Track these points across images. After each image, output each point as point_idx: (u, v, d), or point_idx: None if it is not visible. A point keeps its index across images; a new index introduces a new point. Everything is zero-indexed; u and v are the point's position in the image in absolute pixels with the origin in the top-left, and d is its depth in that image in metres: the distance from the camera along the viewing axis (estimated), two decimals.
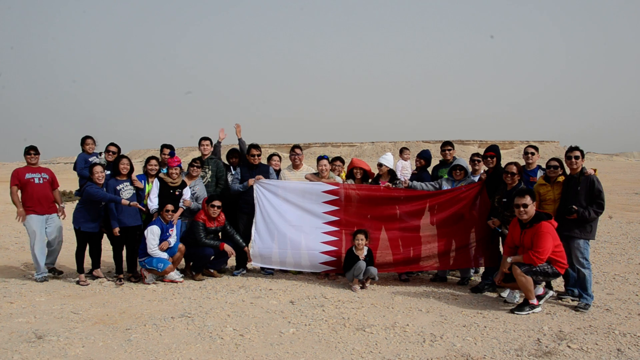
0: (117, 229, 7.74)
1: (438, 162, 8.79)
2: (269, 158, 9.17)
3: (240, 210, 8.56)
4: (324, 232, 8.10)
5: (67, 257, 10.04)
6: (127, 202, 7.67)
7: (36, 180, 8.05)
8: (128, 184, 7.93)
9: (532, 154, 7.70)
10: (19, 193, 8.04)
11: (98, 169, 7.74)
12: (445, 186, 8.02)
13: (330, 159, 8.78)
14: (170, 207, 7.77)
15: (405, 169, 8.94)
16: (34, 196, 7.99)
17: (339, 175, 8.79)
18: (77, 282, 7.77)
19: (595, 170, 6.82)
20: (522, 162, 7.82)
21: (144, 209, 7.97)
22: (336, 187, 8.13)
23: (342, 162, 9.02)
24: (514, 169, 7.15)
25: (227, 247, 8.02)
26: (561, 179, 6.92)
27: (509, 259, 6.35)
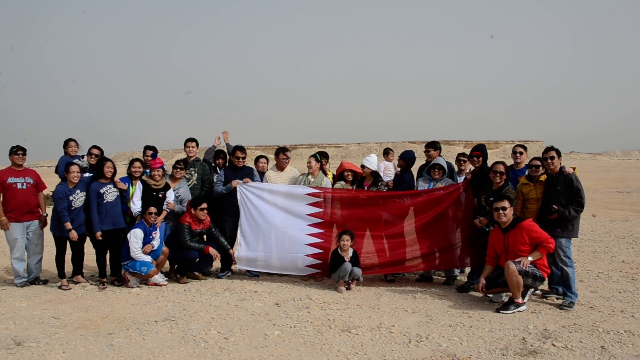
0: (99, 233, 7.64)
1: (424, 162, 8.79)
2: (256, 160, 9.09)
3: (225, 213, 8.49)
4: (309, 234, 8.05)
5: (49, 261, 9.90)
6: (70, 227, 7.51)
7: (19, 186, 7.70)
8: (111, 186, 7.82)
9: (521, 153, 7.71)
10: (0, 197, 7.71)
11: (74, 168, 7.61)
12: (422, 186, 8.03)
13: (317, 157, 8.63)
14: (153, 209, 7.68)
15: (388, 169, 8.93)
16: (16, 203, 7.66)
17: (324, 172, 8.70)
18: (59, 287, 7.64)
19: (574, 169, 6.87)
20: (509, 162, 7.85)
21: (73, 237, 7.65)
22: (319, 191, 8.10)
23: (317, 159, 8.65)
24: (502, 168, 7.18)
25: (212, 251, 7.93)
26: (543, 178, 6.96)
27: (529, 258, 6.37)
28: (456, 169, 8.37)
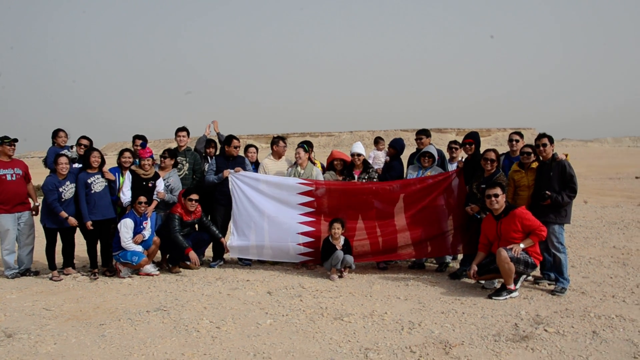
0: (89, 223, 7.57)
1: (415, 150, 8.78)
2: (245, 149, 9.05)
3: (217, 202, 8.44)
4: (301, 223, 8.04)
5: (39, 252, 9.84)
6: (66, 215, 7.47)
7: (8, 177, 7.61)
8: (99, 176, 7.74)
9: (517, 141, 7.67)
10: None
11: (63, 159, 7.53)
12: (411, 174, 8.04)
13: (305, 148, 8.58)
14: (142, 198, 7.62)
15: (378, 158, 8.91)
16: (6, 194, 7.58)
17: (311, 162, 8.67)
18: (50, 279, 7.59)
19: (566, 155, 6.89)
20: (502, 149, 7.84)
21: (73, 223, 7.58)
22: (311, 182, 8.08)
23: (305, 149, 8.53)
24: (493, 155, 7.18)
25: (192, 255, 7.71)
26: (535, 165, 6.97)
27: (521, 245, 6.37)
28: (448, 156, 8.36)
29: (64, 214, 7.46)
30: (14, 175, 7.68)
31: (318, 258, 7.89)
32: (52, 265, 7.73)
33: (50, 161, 7.93)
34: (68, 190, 7.55)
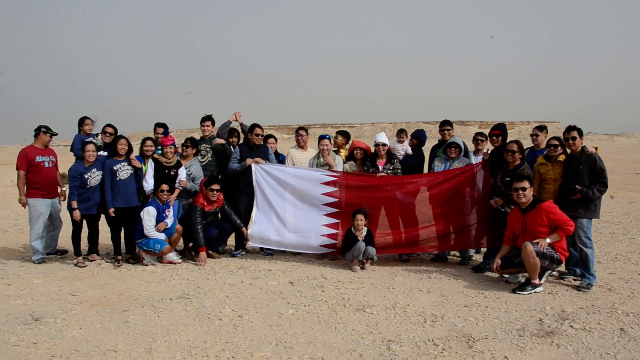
0: (111, 210, 7.65)
1: (437, 142, 8.69)
2: (265, 140, 9.04)
3: (239, 191, 8.46)
4: (325, 214, 8.06)
5: (65, 238, 10.01)
6: (75, 206, 7.58)
7: (46, 164, 7.94)
8: (126, 164, 7.82)
9: (537, 135, 7.56)
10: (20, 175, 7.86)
11: (90, 147, 7.64)
12: (438, 166, 7.95)
13: (332, 137, 8.68)
14: (165, 187, 7.66)
15: (396, 151, 8.86)
16: (45, 180, 7.88)
17: (339, 152, 8.69)
18: (75, 264, 7.70)
19: (596, 149, 6.72)
20: (526, 143, 7.71)
21: (76, 216, 7.68)
22: (336, 175, 8.07)
23: (346, 136, 8.99)
24: (515, 147, 7.07)
25: (201, 255, 7.78)
26: (562, 158, 6.83)
27: (547, 240, 6.26)
28: (473, 148, 8.25)
29: (74, 203, 7.60)
30: (50, 162, 8.01)
31: (340, 249, 7.87)
32: (77, 251, 7.84)
33: (77, 148, 8.07)
34: (94, 177, 7.63)
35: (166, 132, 8.28)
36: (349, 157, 8.49)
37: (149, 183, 7.90)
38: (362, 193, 8.02)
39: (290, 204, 8.18)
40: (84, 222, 7.86)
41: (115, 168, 7.70)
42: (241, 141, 8.88)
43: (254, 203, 8.28)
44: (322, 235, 8.02)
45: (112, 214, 7.70)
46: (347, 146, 8.91)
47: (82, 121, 8.53)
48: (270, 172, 8.23)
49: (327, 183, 8.04)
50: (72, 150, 8.47)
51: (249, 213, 8.42)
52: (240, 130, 8.95)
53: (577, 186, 6.45)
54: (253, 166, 8.19)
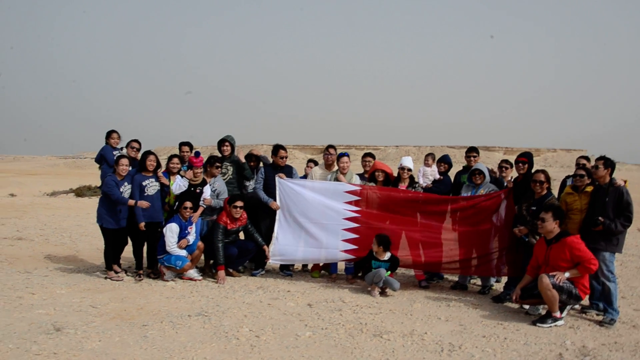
0: (142, 224, 7.74)
1: (461, 168, 8.67)
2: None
3: (262, 210, 8.53)
4: (345, 229, 8.07)
5: (88, 250, 10.17)
6: (133, 202, 7.65)
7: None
8: (153, 180, 7.94)
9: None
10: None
11: (124, 161, 7.77)
12: (465, 192, 7.93)
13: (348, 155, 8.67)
14: (188, 204, 7.76)
15: (426, 175, 8.87)
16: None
17: (365, 172, 8.70)
18: (109, 278, 7.76)
19: (625, 182, 6.62)
20: (557, 171, 7.67)
21: (145, 205, 7.75)
22: (358, 188, 8.11)
23: (373, 157, 8.96)
24: (542, 177, 6.99)
25: (220, 274, 7.85)
26: (589, 188, 6.75)
27: (566, 274, 6.15)
28: (497, 175, 8.21)
29: (131, 201, 7.66)
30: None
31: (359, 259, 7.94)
32: (109, 266, 7.92)
33: (111, 158, 8.25)
34: (125, 191, 7.76)
35: (197, 153, 8.35)
36: (370, 179, 8.50)
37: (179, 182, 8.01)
38: (384, 211, 8.05)
39: (312, 219, 8.21)
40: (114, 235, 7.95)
41: (144, 184, 7.82)
42: (260, 166, 8.94)
43: (277, 218, 8.34)
44: (342, 251, 8.05)
45: (143, 228, 7.78)
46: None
47: (109, 134, 8.77)
48: (294, 188, 8.32)
49: (350, 202, 8.08)
50: (97, 161, 8.66)
51: (270, 232, 8.46)
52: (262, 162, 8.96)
53: (600, 218, 6.35)
54: (277, 181, 8.29)
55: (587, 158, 7.71)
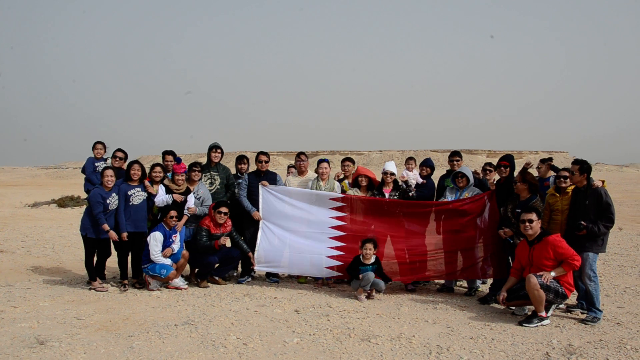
0: (125, 234, 7.68)
1: (445, 172, 8.73)
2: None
3: (246, 218, 8.49)
4: (331, 237, 8.05)
5: (71, 261, 10.04)
6: (108, 228, 7.59)
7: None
8: (140, 189, 7.87)
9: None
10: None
11: (109, 172, 7.71)
12: (449, 196, 7.98)
13: (329, 162, 8.68)
14: (174, 213, 7.72)
15: (409, 179, 8.90)
16: None
17: (345, 178, 8.73)
18: (94, 289, 7.67)
19: (603, 182, 6.71)
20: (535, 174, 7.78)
21: (114, 237, 7.72)
22: (343, 196, 8.10)
23: (353, 162, 9.01)
24: (521, 180, 7.08)
25: (222, 240, 7.90)
26: (570, 189, 6.84)
27: (552, 273, 6.24)
28: (481, 176, 8.28)
29: (106, 226, 7.59)
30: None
31: (345, 274, 7.85)
32: (92, 276, 7.84)
33: (89, 171, 8.21)
34: (113, 201, 7.69)
35: (179, 160, 8.31)
36: (354, 184, 8.50)
37: (162, 197, 7.94)
38: (370, 218, 8.06)
39: (297, 227, 8.19)
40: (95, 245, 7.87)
41: (129, 193, 7.76)
42: (251, 168, 8.94)
43: (260, 225, 8.30)
44: (328, 257, 8.01)
45: (126, 239, 7.72)
46: (352, 171, 8.91)
47: (94, 145, 8.69)
48: (278, 195, 8.28)
49: (335, 209, 8.08)
50: (82, 171, 8.60)
51: (255, 240, 8.42)
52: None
53: (582, 222, 6.43)
54: (260, 189, 8.24)
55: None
